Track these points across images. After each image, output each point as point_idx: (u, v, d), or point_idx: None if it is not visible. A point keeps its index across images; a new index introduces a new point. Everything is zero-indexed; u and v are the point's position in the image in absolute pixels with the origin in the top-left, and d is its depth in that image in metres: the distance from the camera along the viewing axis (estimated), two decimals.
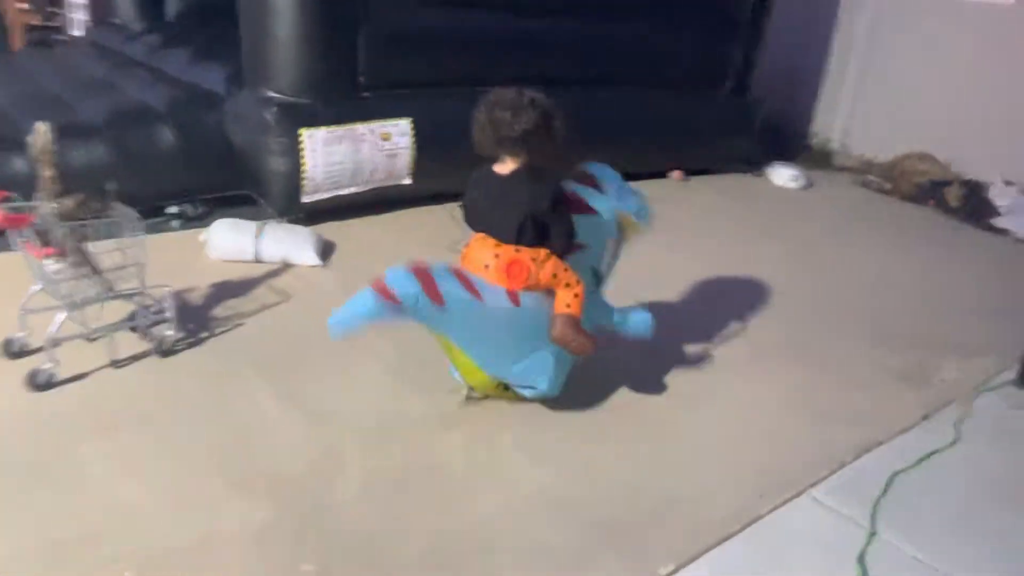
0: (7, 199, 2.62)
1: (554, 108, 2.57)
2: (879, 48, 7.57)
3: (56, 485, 2.26)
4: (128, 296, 2.89)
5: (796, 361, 3.48)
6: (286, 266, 3.90)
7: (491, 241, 2.55)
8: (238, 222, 4.04)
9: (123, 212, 2.83)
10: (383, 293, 2.35)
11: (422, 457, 2.56)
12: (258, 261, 3.90)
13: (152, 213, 4.31)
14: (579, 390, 2.94)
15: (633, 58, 5.89)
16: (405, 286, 2.36)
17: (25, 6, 9.44)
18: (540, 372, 2.63)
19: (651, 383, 3.15)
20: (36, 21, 9.54)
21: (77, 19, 8.77)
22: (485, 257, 2.54)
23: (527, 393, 2.72)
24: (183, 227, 4.32)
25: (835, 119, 8.01)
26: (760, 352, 3.53)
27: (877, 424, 3.02)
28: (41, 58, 6.63)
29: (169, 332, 2.99)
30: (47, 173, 2.66)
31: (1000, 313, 4.33)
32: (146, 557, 2.02)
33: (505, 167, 2.58)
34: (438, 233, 4.63)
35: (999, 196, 6.22)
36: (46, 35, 9.12)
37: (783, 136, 7.90)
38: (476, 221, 2.64)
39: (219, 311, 3.39)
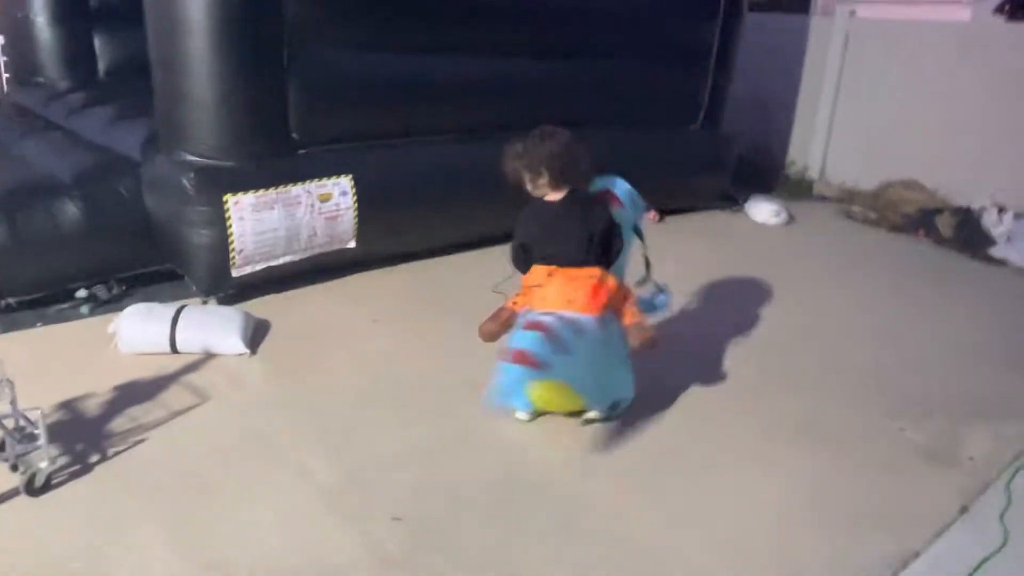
0: None
1: (570, 135, 2.80)
2: (853, 72, 7.25)
3: None
4: None
5: (800, 441, 2.99)
6: (208, 357, 3.36)
7: (564, 274, 2.67)
8: (152, 307, 3.50)
9: None
10: (524, 361, 2.41)
11: None
12: (176, 353, 3.36)
13: (58, 298, 3.79)
14: (541, 499, 2.42)
15: (599, 98, 5.48)
16: (541, 348, 2.44)
17: None
18: (626, 385, 2.92)
19: (623, 477, 2.64)
20: None
21: (7, 78, 8.25)
22: (568, 292, 2.64)
23: (607, 411, 2.93)
24: (94, 312, 3.78)
25: (812, 148, 7.66)
26: (755, 430, 3.04)
27: (908, 525, 2.52)
28: None
29: (43, 463, 2.43)
30: None
31: (1014, 358, 3.88)
32: None
33: (554, 197, 2.75)
34: (390, 299, 4.14)
35: (993, 224, 5.83)
36: None
37: (759, 168, 7.53)
38: (541, 250, 2.75)
39: (119, 423, 2.84)
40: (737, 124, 6.69)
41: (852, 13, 7.40)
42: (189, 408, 2.96)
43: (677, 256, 5.22)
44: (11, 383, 2.37)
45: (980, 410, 3.32)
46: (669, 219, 6.19)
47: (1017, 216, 5.85)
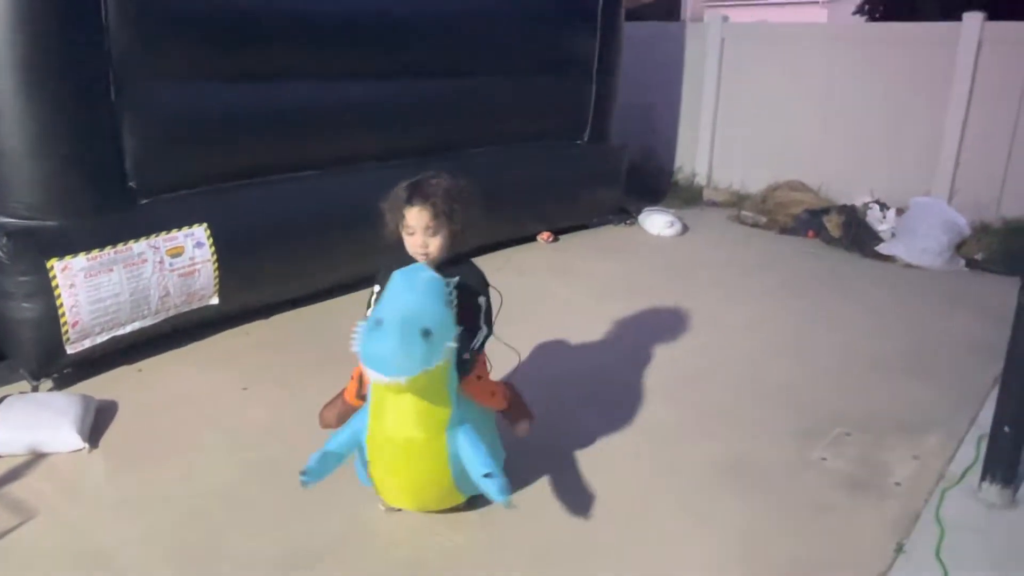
0: None
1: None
2: (731, 76, 7.29)
3: None
4: None
5: (725, 487, 2.75)
6: (36, 458, 2.81)
7: None
8: None
9: None
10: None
11: None
12: None
13: None
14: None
15: (478, 118, 5.19)
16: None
17: None
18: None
19: (537, 560, 2.32)
20: None
21: None
22: None
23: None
24: None
25: (698, 153, 7.66)
26: (676, 479, 2.78)
27: (846, 573, 2.31)
28: None
29: None
30: None
31: (919, 363, 3.84)
32: None
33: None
34: (262, 358, 3.66)
35: (878, 220, 5.92)
36: None
37: (649, 177, 7.46)
38: None
39: None
40: (624, 135, 6.56)
41: (726, 18, 7.45)
42: (8, 531, 2.41)
43: (573, 277, 5.01)
44: None
45: (894, 425, 3.20)
46: (563, 238, 5.98)
47: (899, 212, 5.95)
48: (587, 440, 3.00)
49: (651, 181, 7.45)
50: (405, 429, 2.16)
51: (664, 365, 3.74)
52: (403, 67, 4.62)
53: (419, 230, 2.30)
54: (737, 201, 7.13)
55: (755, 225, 6.55)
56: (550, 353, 3.79)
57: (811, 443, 3.05)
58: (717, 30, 7.29)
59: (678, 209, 6.76)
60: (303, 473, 2.13)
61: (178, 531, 2.44)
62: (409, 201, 2.30)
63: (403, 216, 2.31)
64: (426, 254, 2.33)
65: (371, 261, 2.53)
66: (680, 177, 7.76)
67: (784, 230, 6.32)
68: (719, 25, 7.34)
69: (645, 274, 5.21)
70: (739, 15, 7.53)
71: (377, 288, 2.40)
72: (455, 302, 2.19)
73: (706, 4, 7.86)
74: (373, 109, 4.48)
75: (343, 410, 2.51)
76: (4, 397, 2.97)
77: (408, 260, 2.33)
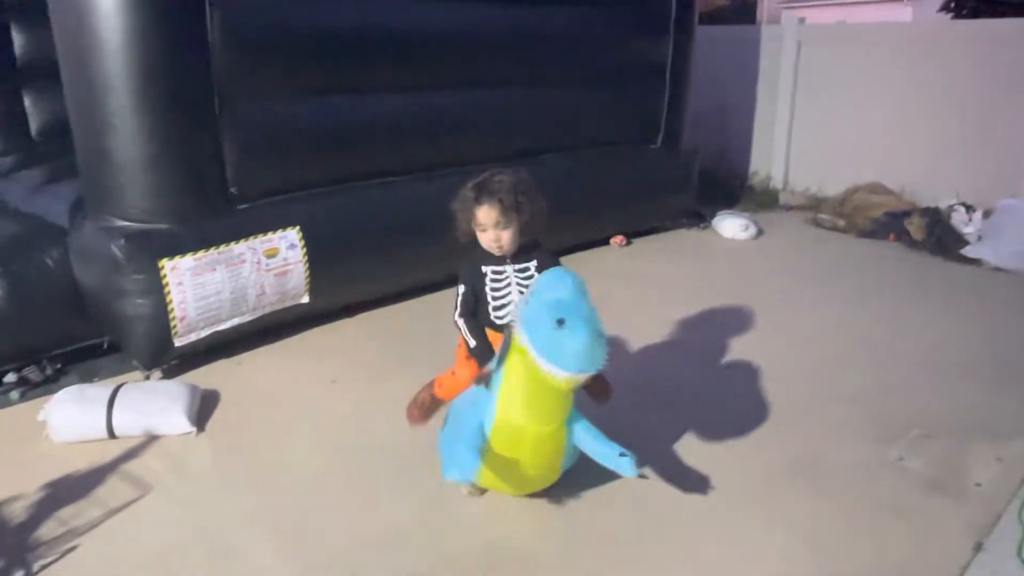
0: None
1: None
2: (808, 78, 7.20)
3: None
4: None
5: (797, 486, 2.77)
6: (150, 439, 3.07)
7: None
8: (85, 390, 3.20)
9: None
10: None
11: None
12: (114, 438, 3.07)
13: None
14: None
15: (554, 126, 5.32)
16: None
17: None
18: None
19: (608, 544, 2.41)
20: None
21: None
22: None
23: None
24: (26, 397, 3.47)
25: (773, 157, 7.58)
26: (747, 477, 2.82)
27: (921, 571, 2.32)
28: None
29: None
30: None
31: (1006, 369, 3.73)
32: None
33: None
34: (349, 354, 3.88)
35: (963, 223, 5.75)
36: None
37: (723, 182, 7.43)
38: None
39: (48, 528, 2.54)
40: (697, 139, 6.57)
41: (802, 20, 7.37)
42: (127, 504, 2.67)
43: (647, 280, 5.07)
44: None
45: (978, 430, 3.14)
46: (636, 241, 6.04)
47: (985, 214, 5.77)
48: (655, 436, 3.07)
49: (725, 185, 7.42)
50: (555, 418, 2.29)
51: (734, 366, 3.77)
52: (481, 78, 4.79)
53: (490, 226, 2.44)
54: (814, 205, 7.03)
55: (833, 228, 6.44)
56: (618, 353, 3.86)
57: (888, 444, 3.04)
58: (793, 32, 7.22)
59: (753, 213, 6.71)
60: (463, 476, 2.32)
61: (277, 509, 2.64)
62: (478, 200, 2.44)
63: (474, 215, 2.46)
64: (500, 247, 2.47)
65: (450, 264, 2.69)
66: (755, 181, 7.70)
67: (863, 233, 6.20)
68: (795, 27, 7.26)
69: (717, 277, 5.22)
70: (818, 15, 7.44)
71: (463, 288, 2.55)
72: None
73: (783, 5, 7.77)
74: (453, 119, 4.66)
75: (432, 406, 2.66)
76: (121, 385, 3.25)
77: (486, 256, 2.48)
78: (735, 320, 4.37)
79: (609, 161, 5.74)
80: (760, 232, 6.25)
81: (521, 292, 2.52)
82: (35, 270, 3.60)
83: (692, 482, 2.78)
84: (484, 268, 2.56)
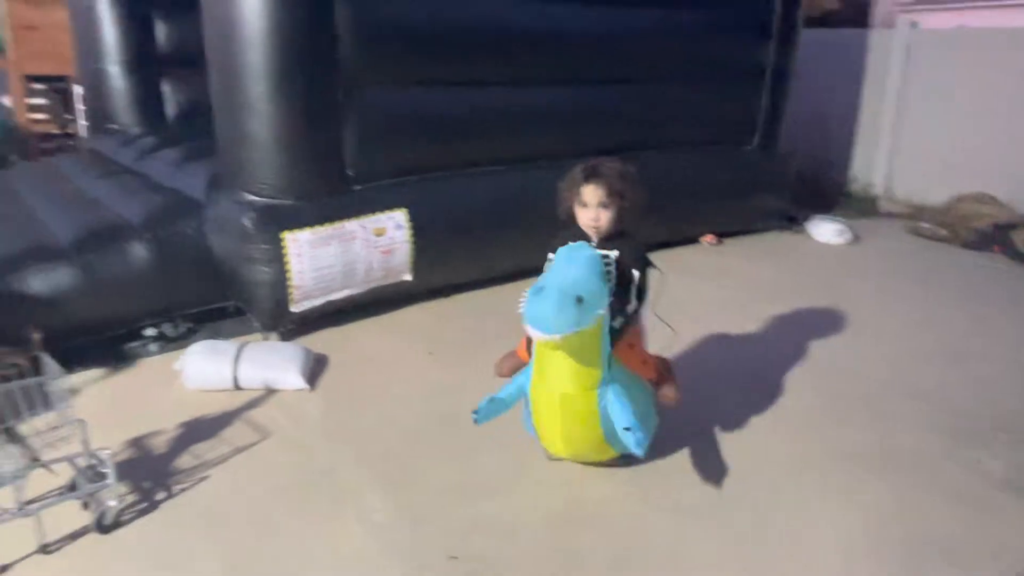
0: None
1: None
2: (916, 84, 7.03)
3: None
4: (62, 461, 2.44)
5: (868, 471, 2.86)
6: (269, 392, 3.43)
7: None
8: (216, 345, 3.60)
9: (49, 365, 2.39)
10: None
11: None
12: (238, 389, 3.44)
13: (128, 337, 3.93)
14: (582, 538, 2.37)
15: (652, 123, 5.45)
16: None
17: (41, 116, 9.46)
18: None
19: (682, 511, 2.57)
20: (55, 129, 9.55)
21: (85, 125, 8.69)
22: None
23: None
24: (163, 350, 3.91)
25: (875, 163, 7.43)
26: (819, 459, 2.92)
27: (986, 559, 2.38)
28: (34, 172, 6.43)
29: (112, 501, 2.50)
30: None
31: None
32: None
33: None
34: (446, 331, 4.15)
35: None
36: (63, 143, 9.09)
37: (819, 186, 7.34)
38: None
39: (184, 460, 2.91)
40: (795, 142, 6.55)
41: (914, 25, 7.20)
42: (251, 444, 3.02)
43: (736, 279, 5.14)
44: (83, 423, 2.46)
45: None
46: (728, 241, 6.09)
47: None
48: (733, 421, 3.20)
49: (822, 190, 7.34)
50: (561, 384, 2.46)
51: (814, 360, 3.83)
52: (584, 75, 4.99)
53: (593, 205, 2.60)
54: (916, 213, 6.86)
55: (934, 238, 6.30)
56: (703, 344, 3.98)
57: (965, 444, 3.06)
58: (904, 37, 7.07)
59: (851, 219, 6.63)
60: (474, 412, 2.57)
61: (380, 459, 2.93)
62: (587, 179, 2.60)
63: (579, 192, 2.62)
64: (597, 227, 2.62)
65: (545, 253, 2.89)
66: (854, 187, 7.57)
67: (966, 244, 6.04)
68: (906, 32, 7.10)
69: (806, 278, 5.23)
70: (935, 19, 7.23)
71: (551, 256, 2.70)
72: (612, 275, 2.51)
73: (899, 8, 7.58)
74: (555, 113, 4.88)
75: (514, 363, 2.87)
76: (246, 343, 3.63)
77: (581, 234, 2.65)
78: (819, 317, 4.41)
79: (704, 160, 5.82)
80: (856, 238, 6.18)
81: None
82: (176, 238, 4.04)
83: (765, 460, 2.90)
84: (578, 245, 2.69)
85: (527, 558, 2.39)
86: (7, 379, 2.30)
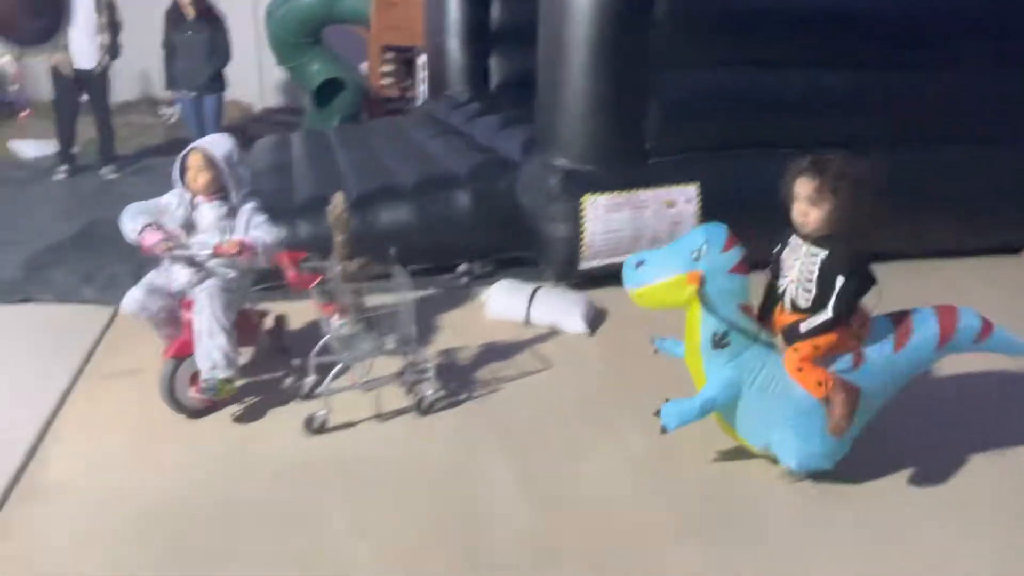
0: (305, 259, 2.96)
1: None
2: None
3: (301, 533, 2.44)
4: (397, 352, 3.08)
5: None
6: (554, 332, 3.90)
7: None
8: (515, 284, 4.15)
9: (400, 276, 3.03)
10: None
11: (649, 574, 2.30)
12: (529, 324, 3.96)
13: (445, 269, 4.66)
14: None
15: (959, 109, 4.92)
16: None
17: (388, 81, 11.08)
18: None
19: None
20: (395, 93, 11.14)
21: (423, 90, 10.01)
22: None
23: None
24: (470, 284, 4.57)
25: None
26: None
27: None
28: (382, 128, 7.64)
29: (429, 392, 3.11)
30: (339, 238, 2.95)
31: None
32: None
33: None
34: None
35: None
36: (401, 105, 10.58)
37: None
38: None
39: (482, 373, 3.47)
40: None
41: None
42: (536, 371, 3.50)
43: None
44: (414, 318, 3.06)
45: None
46: None
47: None
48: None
49: None
50: (688, 336, 2.64)
51: None
52: (878, 58, 4.70)
53: (802, 199, 2.44)
54: None
55: None
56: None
57: None
58: None
59: None
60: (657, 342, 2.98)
61: (641, 400, 3.05)
62: (802, 171, 2.46)
63: (794, 183, 2.48)
64: (805, 223, 2.46)
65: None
66: None
67: None
68: None
69: None
70: None
71: (779, 251, 2.68)
72: (699, 257, 2.48)
73: None
74: (854, 97, 4.67)
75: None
76: (539, 287, 4.13)
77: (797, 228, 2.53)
78: None
79: (1007, 156, 5.14)
80: None
81: (801, 273, 2.49)
82: (492, 191, 4.67)
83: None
84: (793, 238, 2.58)
85: (776, 500, 2.54)
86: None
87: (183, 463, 2.80)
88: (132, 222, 2.93)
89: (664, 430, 2.53)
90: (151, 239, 2.89)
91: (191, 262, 3.00)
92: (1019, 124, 5.16)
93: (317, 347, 3.13)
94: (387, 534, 2.44)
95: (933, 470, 2.77)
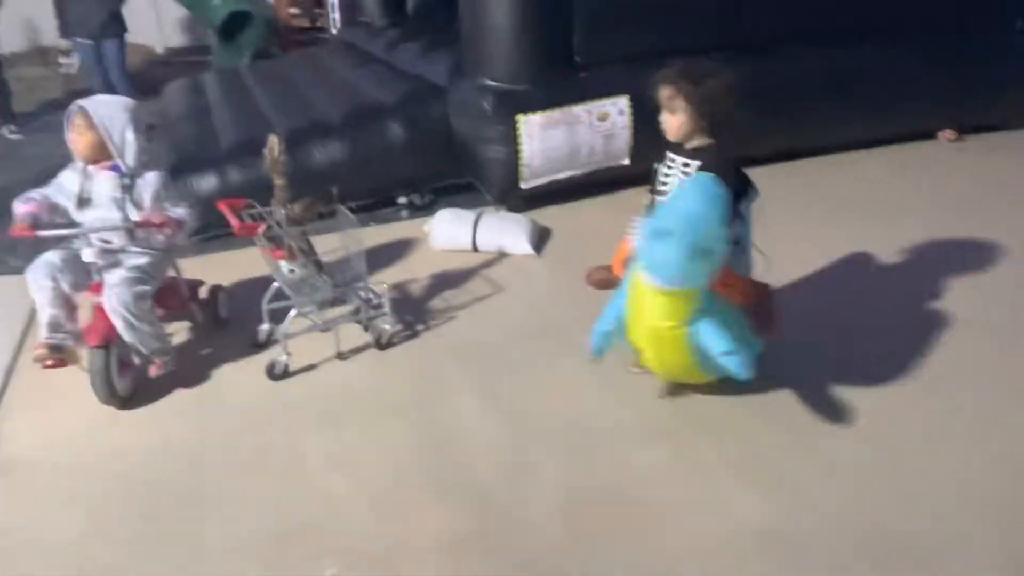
0: (248, 207, 2.88)
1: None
2: None
3: (277, 475, 2.47)
4: (350, 291, 3.07)
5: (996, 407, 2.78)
6: (502, 256, 3.93)
7: None
8: (458, 212, 4.14)
9: (344, 214, 3.00)
10: None
11: (619, 473, 2.42)
12: (476, 251, 3.98)
13: (384, 204, 4.60)
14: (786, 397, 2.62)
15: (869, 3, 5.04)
16: None
17: (296, 11, 10.57)
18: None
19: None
20: (304, 24, 10.65)
21: (335, 19, 9.59)
22: None
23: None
24: (411, 216, 4.54)
25: None
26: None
27: None
28: (298, 62, 7.32)
29: (386, 326, 3.13)
30: (279, 182, 2.88)
31: None
32: (345, 557, 2.13)
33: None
34: None
35: None
36: (314, 36, 10.14)
37: None
38: None
39: (436, 303, 3.50)
40: None
41: None
42: (488, 295, 3.55)
43: (976, 178, 4.82)
44: (364, 256, 3.04)
45: None
46: (969, 138, 5.63)
47: None
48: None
49: None
50: (653, 319, 2.28)
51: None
52: None
53: (664, 106, 2.42)
54: None
55: None
56: (908, 249, 3.90)
57: None
58: None
59: None
60: (592, 353, 2.56)
61: (595, 314, 3.26)
62: (660, 78, 2.42)
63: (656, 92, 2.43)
64: (668, 131, 2.44)
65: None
66: None
67: None
68: None
69: None
70: None
71: (656, 166, 2.62)
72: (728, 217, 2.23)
73: None
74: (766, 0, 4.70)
75: (605, 276, 3.02)
76: (483, 212, 4.13)
77: (674, 144, 2.49)
78: None
79: (949, 45, 5.33)
80: None
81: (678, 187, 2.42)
82: (424, 119, 4.59)
83: (876, 401, 2.93)
84: (668, 153, 2.54)
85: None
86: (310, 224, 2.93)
87: (145, 423, 2.77)
88: (21, 201, 2.66)
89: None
90: (20, 212, 2.58)
91: (71, 243, 2.72)
92: (927, 15, 5.31)
93: (268, 294, 3.10)
94: (361, 466, 2.50)
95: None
